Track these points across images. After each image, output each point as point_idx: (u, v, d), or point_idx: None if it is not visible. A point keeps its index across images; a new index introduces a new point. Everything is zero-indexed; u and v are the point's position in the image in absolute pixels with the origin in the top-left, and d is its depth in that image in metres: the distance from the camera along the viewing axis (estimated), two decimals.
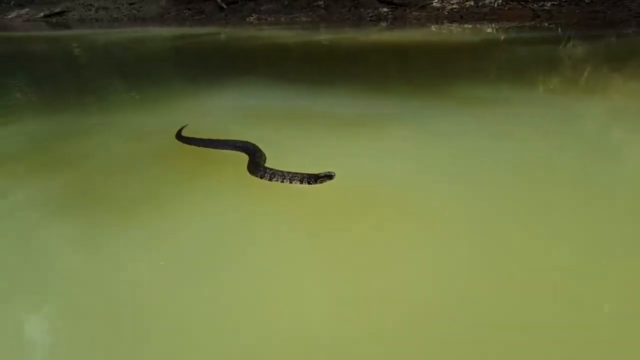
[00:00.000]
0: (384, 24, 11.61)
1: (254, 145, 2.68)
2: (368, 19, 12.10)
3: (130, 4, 17.28)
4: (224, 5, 15.31)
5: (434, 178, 2.30)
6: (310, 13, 13.33)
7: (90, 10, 17.29)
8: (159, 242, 1.75)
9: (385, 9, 12.49)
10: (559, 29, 9.96)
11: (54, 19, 17.09)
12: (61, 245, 1.79)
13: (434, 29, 10.53)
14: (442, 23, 11.30)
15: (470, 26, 10.68)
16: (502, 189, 2.14)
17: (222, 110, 3.80)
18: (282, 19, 13.28)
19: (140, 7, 16.71)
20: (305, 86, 4.71)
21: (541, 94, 4.11)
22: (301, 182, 2.23)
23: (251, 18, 13.84)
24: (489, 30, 10.21)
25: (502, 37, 8.94)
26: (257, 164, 2.41)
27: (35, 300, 1.48)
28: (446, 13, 11.62)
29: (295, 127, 3.23)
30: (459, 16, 11.39)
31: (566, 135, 2.92)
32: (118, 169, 2.51)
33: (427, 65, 6.13)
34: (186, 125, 3.14)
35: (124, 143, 2.95)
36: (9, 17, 18.58)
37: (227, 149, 2.75)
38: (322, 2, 13.87)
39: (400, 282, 1.50)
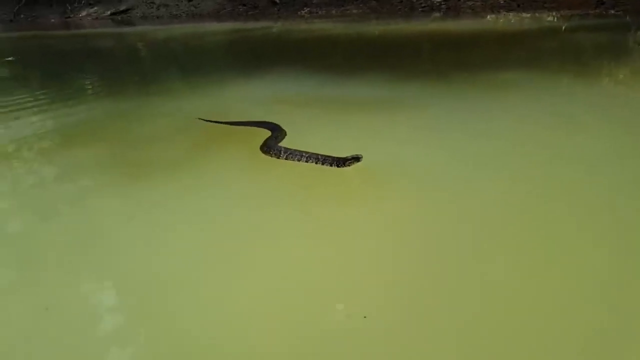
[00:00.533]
0: (437, 14, 11.39)
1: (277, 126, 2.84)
2: (420, 9, 11.89)
3: (189, 0, 17.95)
4: (277, 0, 15.56)
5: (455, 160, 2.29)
6: (361, 5, 13.27)
7: (152, 7, 18.15)
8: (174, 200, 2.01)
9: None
10: (627, 16, 9.34)
11: (119, 17, 18.10)
12: (95, 190, 2.14)
13: (489, 19, 10.21)
14: (499, 12, 10.92)
15: (528, 15, 10.28)
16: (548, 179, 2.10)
17: (257, 96, 3.97)
18: (334, 11, 13.33)
19: (198, 4, 17.33)
20: (344, 75, 4.76)
21: (608, 85, 3.92)
22: (330, 165, 2.28)
23: (303, 12, 13.99)
24: (549, 18, 9.78)
25: (564, 26, 8.54)
26: (270, 144, 2.52)
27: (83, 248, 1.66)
28: (502, 2, 11.20)
29: (321, 110, 3.33)
30: (515, 5, 10.95)
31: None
32: (154, 141, 2.90)
33: (482, 53, 5.98)
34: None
35: (165, 121, 3.32)
36: (80, 15, 19.89)
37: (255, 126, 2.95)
38: None
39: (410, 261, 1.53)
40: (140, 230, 1.81)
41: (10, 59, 8.67)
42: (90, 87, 5.20)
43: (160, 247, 1.67)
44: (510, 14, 10.61)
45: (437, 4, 12.00)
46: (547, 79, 4.18)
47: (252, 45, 8.54)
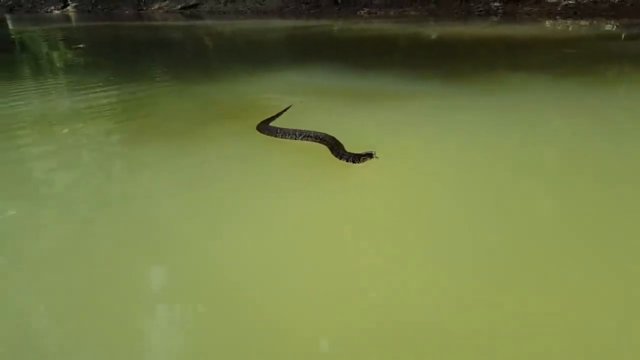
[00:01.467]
0: (494, 18, 11.75)
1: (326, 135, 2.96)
2: (477, 13, 12.30)
3: None
4: (338, 0, 16.30)
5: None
6: (419, 7, 13.79)
7: (219, 3, 19.33)
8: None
9: (496, 4, 12.57)
10: None
11: (188, 11, 19.40)
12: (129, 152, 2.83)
13: (548, 25, 10.49)
14: (555, 19, 11.17)
15: (586, 23, 10.47)
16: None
17: (301, 85, 4.79)
18: (392, 12, 13.92)
19: (263, 1, 18.34)
20: (389, 73, 5.42)
21: None
22: (347, 161, 2.50)
23: (362, 12, 14.65)
24: (608, 27, 9.95)
25: (623, 34, 8.74)
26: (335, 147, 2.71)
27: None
28: (559, 9, 11.45)
29: (346, 100, 4.02)
30: (572, 12, 11.17)
31: None
32: (189, 118, 3.63)
33: (540, 57, 6.44)
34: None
35: (216, 101, 4.17)
36: (152, 8, 21.39)
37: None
38: None
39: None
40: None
41: (81, 46, 9.90)
42: (156, 71, 6.16)
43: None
44: (568, 21, 10.84)
45: (494, 8, 12.36)
46: (607, 86, 4.61)
47: (308, 42, 9.34)
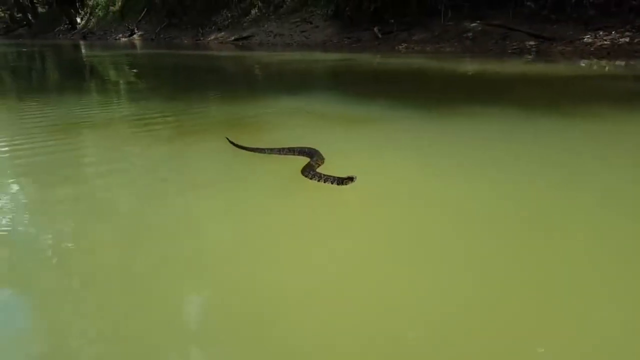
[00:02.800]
0: (529, 56, 12.04)
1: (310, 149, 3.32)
2: (510, 51, 12.64)
3: (302, 31, 20.20)
4: (380, 35, 17.09)
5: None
6: (456, 44, 14.30)
7: (270, 36, 20.67)
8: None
9: (531, 42, 12.88)
10: None
11: (240, 42, 20.83)
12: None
13: (583, 65, 10.68)
14: (589, 58, 11.34)
15: (622, 63, 10.58)
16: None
17: (327, 110, 5.33)
18: (428, 48, 14.49)
19: (309, 35, 19.46)
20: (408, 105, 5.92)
21: None
22: (332, 183, 2.71)
23: (400, 47, 15.33)
24: None
25: None
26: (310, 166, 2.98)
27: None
28: (593, 49, 11.61)
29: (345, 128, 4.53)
30: (606, 52, 11.31)
31: None
32: (212, 128, 4.25)
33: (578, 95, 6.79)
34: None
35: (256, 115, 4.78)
36: (208, 39, 23.10)
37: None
38: (471, 34, 14.73)
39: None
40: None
41: (135, 71, 11.08)
42: (206, 93, 6.96)
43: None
44: (603, 61, 10.97)
45: (528, 47, 12.67)
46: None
47: (344, 72, 10.01)
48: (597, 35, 12.29)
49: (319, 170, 2.93)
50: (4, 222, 2.40)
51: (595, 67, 10.11)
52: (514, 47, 12.92)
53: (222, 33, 23.15)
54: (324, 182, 2.73)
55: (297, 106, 5.55)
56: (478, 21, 15.08)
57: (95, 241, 2.19)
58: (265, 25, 21.93)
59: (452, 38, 14.88)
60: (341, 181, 2.66)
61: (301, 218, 2.42)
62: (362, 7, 18.72)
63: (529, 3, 14.24)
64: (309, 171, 2.87)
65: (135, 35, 29.02)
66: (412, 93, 6.89)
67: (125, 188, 2.90)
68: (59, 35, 39.17)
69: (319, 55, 14.27)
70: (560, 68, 9.95)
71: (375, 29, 17.40)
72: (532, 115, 4.94)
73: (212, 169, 3.28)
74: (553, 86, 7.52)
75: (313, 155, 3.18)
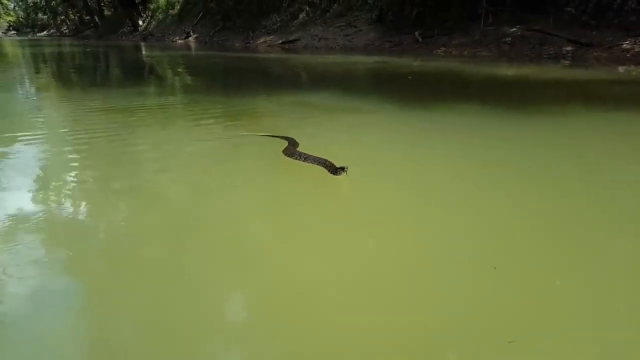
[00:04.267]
0: (565, 62, 12.21)
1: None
2: (546, 56, 12.83)
3: (346, 35, 20.97)
4: (420, 39, 17.58)
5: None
6: (493, 48, 14.59)
7: (314, 40, 21.60)
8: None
9: (568, 48, 13.01)
10: None
11: (286, 45, 21.87)
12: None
13: (622, 70, 10.78)
14: (624, 64, 11.40)
15: None
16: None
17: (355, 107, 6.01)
18: (465, 52, 14.86)
19: (352, 39, 20.21)
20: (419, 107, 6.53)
21: None
22: (325, 167, 2.90)
23: (439, 51, 15.77)
24: None
25: None
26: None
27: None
28: (629, 55, 11.64)
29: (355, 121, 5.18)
30: None
31: None
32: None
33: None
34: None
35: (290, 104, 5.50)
36: (257, 42, 24.35)
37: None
38: (509, 39, 14.96)
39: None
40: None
41: (180, 69, 12.13)
42: (251, 91, 7.82)
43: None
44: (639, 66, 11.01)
45: (564, 52, 12.81)
46: None
47: (376, 74, 10.68)
48: (637, 41, 12.27)
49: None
50: (65, 205, 2.62)
51: (634, 74, 10.19)
52: (550, 52, 13.09)
53: (271, 37, 24.33)
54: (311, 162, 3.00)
55: (322, 101, 6.34)
56: (518, 26, 15.28)
57: (144, 231, 2.32)
58: (312, 29, 22.87)
59: (491, 43, 15.16)
60: (335, 170, 2.79)
61: (337, 210, 2.54)
62: (405, 12, 19.26)
63: (569, 9, 14.29)
64: (294, 153, 3.18)
65: (190, 38, 30.84)
66: (445, 95, 7.49)
67: (176, 180, 3.10)
68: (121, 36, 42.00)
69: (362, 59, 14.99)
70: (595, 73, 10.12)
71: (416, 33, 17.90)
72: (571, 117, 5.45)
73: (254, 163, 3.49)
74: (588, 90, 7.86)
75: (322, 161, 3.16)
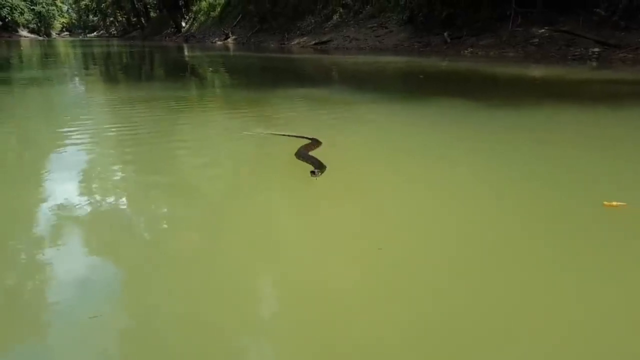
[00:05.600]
0: (594, 63, 12.28)
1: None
2: (571, 57, 12.92)
3: (377, 36, 21.46)
4: (449, 40, 17.85)
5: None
6: (519, 49, 14.74)
7: (346, 40, 22.20)
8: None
9: (594, 49, 13.04)
10: None
11: (318, 46, 22.57)
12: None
13: None
14: None
15: None
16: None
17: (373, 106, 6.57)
18: (491, 53, 15.07)
19: (382, 40, 20.67)
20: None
21: None
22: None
23: (466, 51, 16.03)
24: None
25: None
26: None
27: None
28: None
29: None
30: None
31: None
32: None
33: None
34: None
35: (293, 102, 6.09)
36: (292, 43, 25.18)
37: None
38: (536, 40, 15.06)
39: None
40: None
41: (225, 68, 12.95)
42: (279, 87, 8.49)
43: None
44: None
45: (590, 54, 12.86)
46: None
47: (406, 73, 11.17)
48: None
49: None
50: (109, 197, 2.75)
51: None
52: (576, 54, 13.16)
53: (305, 38, 25.11)
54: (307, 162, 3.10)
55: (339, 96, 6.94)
56: (546, 27, 15.33)
57: (183, 224, 2.41)
58: (344, 30, 23.48)
59: (518, 44, 15.29)
60: (312, 172, 2.85)
61: (373, 209, 2.56)
62: (435, 13, 19.53)
63: (598, 10, 14.25)
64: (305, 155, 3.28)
65: (229, 39, 32.08)
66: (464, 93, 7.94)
67: (214, 176, 3.21)
68: (165, 37, 44.01)
69: (391, 59, 15.48)
70: (622, 75, 10.21)
71: (445, 34, 18.17)
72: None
73: (284, 160, 3.46)
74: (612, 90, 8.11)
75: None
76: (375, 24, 22.55)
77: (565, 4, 15.39)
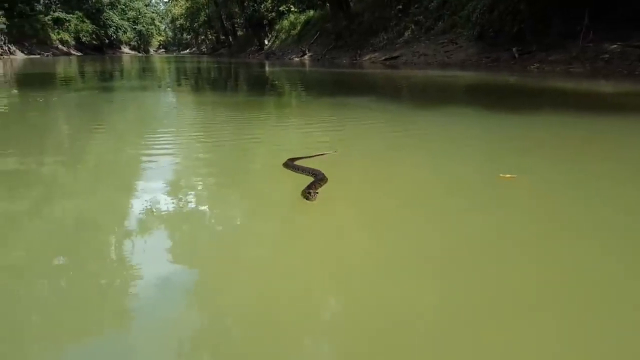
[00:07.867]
0: None
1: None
2: (638, 72, 12.70)
3: (446, 52, 21.93)
4: (516, 55, 17.95)
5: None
6: (587, 65, 14.63)
7: (415, 56, 22.89)
8: None
9: None
10: None
11: (388, 62, 23.47)
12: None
13: None
14: None
15: None
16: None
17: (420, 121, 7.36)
18: (558, 69, 15.08)
19: (451, 55, 21.12)
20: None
21: None
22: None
23: (532, 67, 16.11)
24: None
25: None
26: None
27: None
28: None
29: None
30: None
31: None
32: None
33: None
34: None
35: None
36: (363, 59, 26.31)
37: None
38: (607, 56, 14.86)
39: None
40: None
41: (300, 82, 14.21)
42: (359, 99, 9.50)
43: None
44: None
45: None
46: None
47: (476, 89, 11.76)
48: None
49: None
50: (187, 199, 3.01)
51: None
52: None
53: (376, 54, 26.13)
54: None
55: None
56: (619, 43, 15.03)
57: (256, 232, 2.53)
58: (414, 46, 24.16)
59: (587, 59, 15.14)
60: (308, 195, 2.74)
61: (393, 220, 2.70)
62: (506, 28, 19.64)
63: None
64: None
65: (305, 56, 33.97)
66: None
67: (287, 183, 3.24)
68: (249, 55, 47.28)
69: (458, 74, 16.04)
70: None
71: (514, 49, 18.27)
72: None
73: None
74: None
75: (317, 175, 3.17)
76: (445, 40, 22.99)
77: None
